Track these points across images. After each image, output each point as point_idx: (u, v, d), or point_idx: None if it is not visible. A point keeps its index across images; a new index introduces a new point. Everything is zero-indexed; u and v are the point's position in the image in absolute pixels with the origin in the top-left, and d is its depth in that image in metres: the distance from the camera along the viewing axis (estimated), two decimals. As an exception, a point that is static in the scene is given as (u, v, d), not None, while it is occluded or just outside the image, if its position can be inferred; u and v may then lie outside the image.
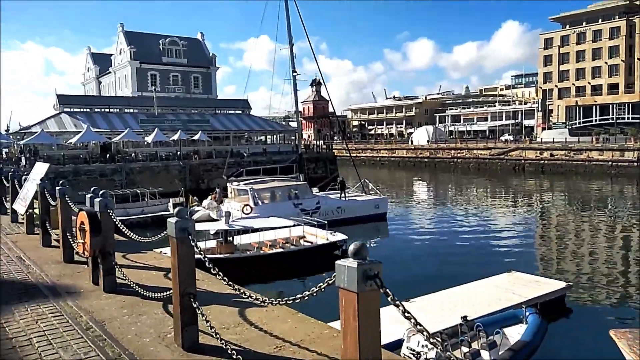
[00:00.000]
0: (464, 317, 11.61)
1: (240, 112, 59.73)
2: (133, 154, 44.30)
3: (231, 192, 29.77)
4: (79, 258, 6.29)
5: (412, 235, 26.68)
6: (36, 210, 7.89)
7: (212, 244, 20.53)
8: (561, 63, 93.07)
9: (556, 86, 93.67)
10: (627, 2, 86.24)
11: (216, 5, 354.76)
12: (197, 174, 43.09)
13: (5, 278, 6.06)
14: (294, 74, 32.50)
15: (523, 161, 66.12)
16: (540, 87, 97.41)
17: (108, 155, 42.98)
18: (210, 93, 72.92)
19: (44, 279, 5.92)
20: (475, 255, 21.45)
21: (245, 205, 26.85)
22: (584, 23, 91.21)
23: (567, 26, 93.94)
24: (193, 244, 3.97)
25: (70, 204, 5.98)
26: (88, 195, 5.11)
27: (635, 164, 55.86)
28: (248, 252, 20.70)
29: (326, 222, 21.90)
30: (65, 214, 6.09)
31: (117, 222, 4.86)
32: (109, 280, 5.06)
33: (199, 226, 21.21)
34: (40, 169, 8.32)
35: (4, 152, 47.39)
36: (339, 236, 21.97)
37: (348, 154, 41.36)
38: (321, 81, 34.61)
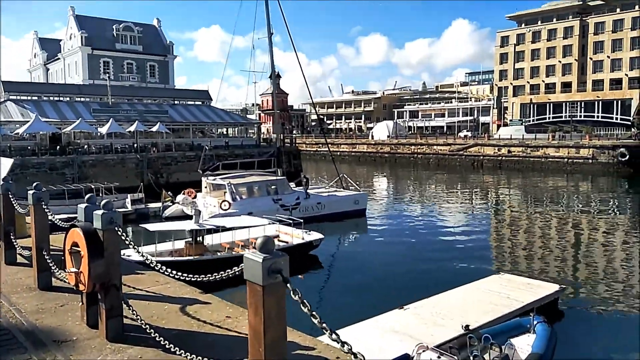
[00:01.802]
0: (467, 327, 10.84)
1: (200, 103, 57.52)
2: (86, 146, 41.71)
3: (206, 187, 28.38)
4: (59, 282, 4.88)
5: (392, 232, 26.02)
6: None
7: (180, 244, 19.09)
8: (517, 61, 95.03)
9: (511, 84, 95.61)
10: (581, 3, 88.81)
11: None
12: (155, 168, 40.98)
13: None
14: (271, 75, 31.06)
15: (482, 157, 67.03)
16: (496, 85, 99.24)
17: (58, 147, 40.25)
18: (167, 83, 70.02)
19: (15, 317, 4.36)
20: (456, 254, 20.91)
21: (223, 200, 25.57)
22: (539, 22, 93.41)
23: (523, 25, 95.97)
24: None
25: (46, 209, 4.58)
26: (82, 207, 3.79)
27: (591, 161, 57.49)
28: (218, 254, 19.42)
29: (302, 220, 20.79)
30: (41, 224, 4.70)
31: (125, 238, 3.61)
32: (114, 323, 3.69)
33: (168, 226, 19.73)
34: (3, 165, 6.72)
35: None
36: (315, 235, 20.97)
37: (309, 149, 40.51)
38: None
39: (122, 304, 3.74)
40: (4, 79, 51.69)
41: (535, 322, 10.94)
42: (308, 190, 28.60)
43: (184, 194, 28.18)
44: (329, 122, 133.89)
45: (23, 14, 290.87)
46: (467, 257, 20.02)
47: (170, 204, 28.99)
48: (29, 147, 40.15)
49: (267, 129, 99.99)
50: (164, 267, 3.55)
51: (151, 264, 3.62)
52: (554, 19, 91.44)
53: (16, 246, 5.48)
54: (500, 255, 21.86)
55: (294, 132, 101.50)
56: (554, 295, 13.97)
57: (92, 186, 31.30)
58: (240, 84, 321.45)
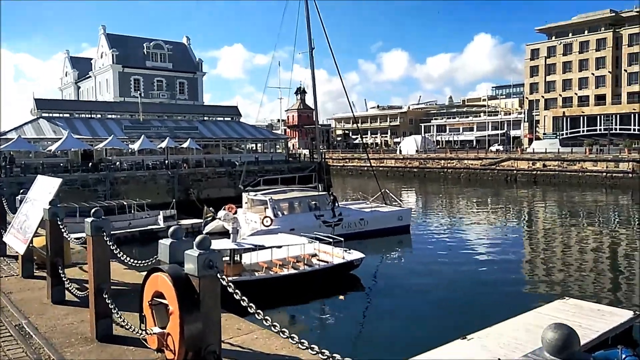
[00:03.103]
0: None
1: (229, 119, 57.38)
2: (117, 163, 41.63)
3: (247, 202, 27.89)
4: (121, 331, 4.00)
5: (438, 251, 24.72)
6: (37, 243, 5.64)
7: (217, 264, 18.34)
8: (548, 74, 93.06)
9: (543, 97, 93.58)
10: (613, 14, 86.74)
11: (190, 13, 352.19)
12: (186, 184, 40.61)
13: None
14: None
15: (515, 171, 65.18)
16: (527, 98, 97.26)
17: (90, 163, 40.22)
18: (197, 99, 70.29)
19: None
20: (510, 276, 19.62)
21: (265, 217, 25.11)
22: (570, 34, 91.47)
23: (553, 37, 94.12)
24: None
25: (109, 242, 3.80)
26: (166, 244, 3.12)
27: (631, 175, 55.30)
28: (256, 274, 18.63)
29: (342, 239, 19.87)
30: (102, 260, 3.87)
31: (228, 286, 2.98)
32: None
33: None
34: (47, 185, 5.90)
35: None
36: (355, 254, 20.02)
37: (336, 164, 39.71)
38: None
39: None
40: (37, 97, 52.36)
41: (624, 356, 9.79)
42: (335, 208, 27.77)
43: (224, 209, 27.74)
44: (354, 137, 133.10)
45: (51, 35, 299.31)
46: (523, 280, 18.80)
47: (211, 219, 28.52)
48: (61, 164, 40.21)
49: (293, 144, 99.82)
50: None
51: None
52: (586, 31, 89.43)
53: (65, 280, 4.71)
54: (559, 277, 20.29)
55: (320, 147, 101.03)
56: (628, 322, 12.75)
57: (125, 203, 30.99)
58: (264, 101, 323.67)
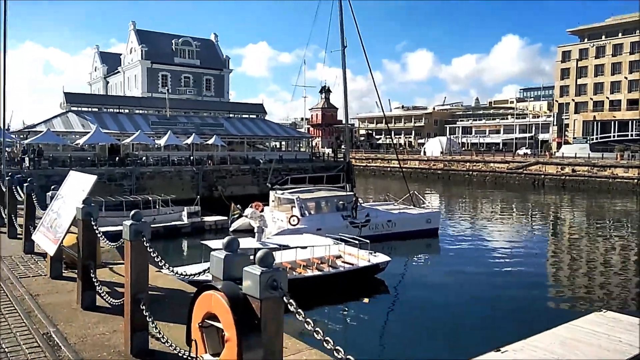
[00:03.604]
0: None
1: (254, 116, 57.43)
2: (144, 158, 41.93)
3: (274, 201, 27.83)
4: (158, 344, 3.72)
5: (467, 256, 24.16)
6: (66, 242, 5.43)
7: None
8: (579, 77, 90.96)
9: (573, 100, 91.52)
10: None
11: (216, 10, 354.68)
12: (210, 181, 40.71)
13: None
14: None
15: (543, 176, 63.88)
16: (556, 101, 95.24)
17: (117, 158, 40.63)
18: (223, 96, 70.56)
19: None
20: (542, 284, 19.02)
21: (292, 216, 25.04)
22: (603, 36, 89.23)
23: (586, 39, 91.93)
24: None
25: (149, 248, 3.54)
26: (220, 257, 2.72)
27: (663, 182, 53.73)
28: (281, 274, 18.37)
29: (368, 241, 19.53)
30: (140, 267, 3.58)
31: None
32: None
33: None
34: (80, 182, 5.58)
35: (5, 152, 44.96)
36: (381, 257, 19.66)
37: (359, 164, 39.38)
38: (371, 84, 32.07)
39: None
40: (66, 91, 53.15)
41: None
42: (357, 209, 27.43)
43: (251, 207, 27.74)
44: (377, 137, 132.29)
45: (80, 30, 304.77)
46: (555, 290, 18.17)
47: (238, 217, 28.50)
48: (88, 158, 40.72)
49: (316, 143, 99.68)
50: None
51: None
52: (620, 34, 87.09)
53: (97, 285, 4.48)
54: (593, 288, 19.48)
55: (342, 146, 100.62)
56: (670, 339, 12.14)
57: (150, 198, 31.15)
58: (286, 99, 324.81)
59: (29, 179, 7.99)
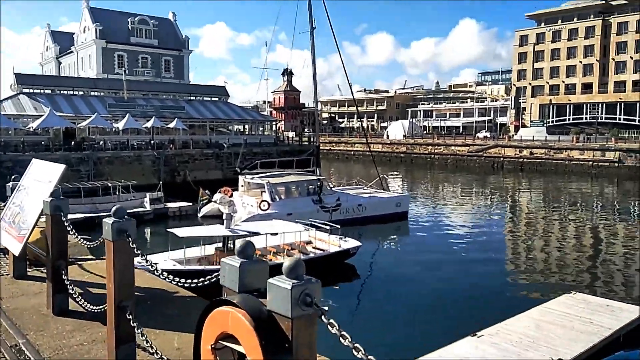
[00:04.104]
0: (559, 360, 9.42)
1: (217, 99, 56.07)
2: (101, 142, 40.36)
3: (243, 186, 27.41)
4: (144, 355, 3.32)
5: (436, 239, 24.33)
6: (32, 237, 4.84)
7: (210, 249, 17.71)
8: (536, 61, 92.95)
9: (530, 84, 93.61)
10: (603, 2, 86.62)
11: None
12: (172, 166, 39.61)
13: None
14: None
15: (502, 159, 65.28)
16: (514, 85, 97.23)
17: (73, 142, 38.93)
18: (182, 78, 68.50)
19: None
20: (511, 267, 19.29)
21: (263, 201, 24.73)
22: (560, 21, 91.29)
23: (543, 24, 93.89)
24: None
25: (132, 245, 3.10)
26: (235, 265, 2.29)
27: (617, 164, 55.69)
28: (250, 261, 18.01)
29: (339, 226, 19.33)
30: (124, 270, 3.09)
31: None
32: None
33: (197, 231, 18.28)
34: (45, 171, 4.99)
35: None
36: (352, 242, 19.52)
37: (322, 147, 39.33)
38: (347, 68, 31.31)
39: None
40: (17, 72, 50.49)
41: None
42: (321, 194, 27.24)
43: (220, 192, 27.17)
44: (340, 120, 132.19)
45: (28, 8, 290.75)
46: (524, 272, 18.43)
47: (207, 202, 27.88)
48: (42, 142, 38.84)
49: (279, 127, 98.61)
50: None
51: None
52: (575, 19, 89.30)
53: (69, 288, 3.97)
54: (561, 269, 19.77)
55: (305, 130, 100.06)
56: (639, 319, 12.46)
57: (109, 184, 30.04)
58: (246, 82, 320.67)
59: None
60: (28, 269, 5.29)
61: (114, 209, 3.46)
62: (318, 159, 29.65)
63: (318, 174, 28.89)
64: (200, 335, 2.22)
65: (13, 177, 5.95)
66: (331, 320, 2.13)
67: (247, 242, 2.44)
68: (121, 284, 3.07)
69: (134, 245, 3.20)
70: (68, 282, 3.96)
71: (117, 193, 29.81)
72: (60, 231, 4.13)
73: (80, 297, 3.95)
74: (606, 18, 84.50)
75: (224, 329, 2.07)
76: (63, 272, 4.00)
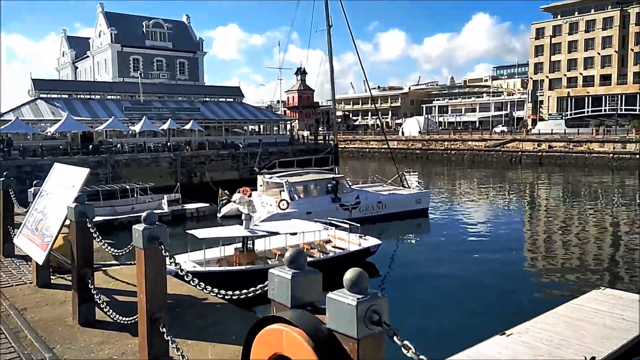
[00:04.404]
0: (593, 359, 9.11)
1: (231, 100, 56.12)
2: (118, 145, 40.59)
3: (262, 185, 27.40)
4: None
5: (457, 236, 23.80)
6: (55, 244, 4.66)
7: (230, 250, 17.60)
8: (553, 53, 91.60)
9: (547, 77, 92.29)
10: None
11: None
12: (189, 167, 39.69)
13: None
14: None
15: (520, 153, 64.37)
16: (531, 78, 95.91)
17: (91, 146, 39.22)
18: (197, 80, 68.74)
19: None
20: (536, 263, 18.86)
21: (282, 200, 24.67)
22: (576, 13, 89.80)
23: (559, 16, 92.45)
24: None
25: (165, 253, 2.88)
26: (284, 276, 2.08)
27: (638, 156, 54.55)
28: (270, 262, 17.91)
29: (358, 225, 19.09)
30: (158, 282, 2.93)
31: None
32: None
33: (216, 232, 18.16)
34: (68, 176, 4.81)
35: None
36: (372, 241, 19.27)
37: (340, 145, 39.07)
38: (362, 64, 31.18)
39: None
40: (34, 77, 51.03)
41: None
42: (338, 193, 26.98)
43: (239, 192, 27.18)
44: (354, 118, 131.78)
45: (43, 15, 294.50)
46: (551, 268, 17.98)
47: (226, 202, 27.90)
48: (60, 147, 39.20)
49: (293, 126, 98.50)
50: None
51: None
52: (592, 10, 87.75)
53: (97, 297, 3.79)
54: (586, 264, 19.18)
55: (320, 129, 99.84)
56: (672, 316, 12.04)
57: (127, 187, 30.16)
58: (259, 82, 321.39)
59: (4, 173, 7.17)
60: (51, 277, 5.15)
61: (144, 214, 3.23)
62: (337, 157, 29.39)
63: (336, 172, 28.69)
64: (248, 356, 1.99)
65: (35, 182, 5.81)
66: (405, 342, 1.89)
67: (299, 251, 2.23)
68: (153, 294, 2.89)
69: (167, 254, 3.02)
70: (95, 293, 3.79)
71: (135, 195, 29.93)
72: (85, 238, 3.95)
73: (107, 306, 3.78)
74: (624, 8, 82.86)
75: (278, 349, 1.84)
76: (89, 280, 3.83)
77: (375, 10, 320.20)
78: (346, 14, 30.65)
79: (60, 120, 39.37)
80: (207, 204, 29.87)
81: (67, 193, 4.36)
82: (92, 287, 3.76)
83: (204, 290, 2.76)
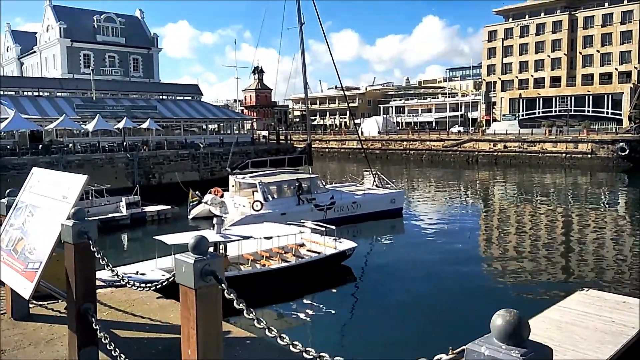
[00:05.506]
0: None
1: (189, 98, 54.45)
2: (70, 145, 38.50)
3: (233, 186, 26.42)
4: None
5: (432, 236, 23.60)
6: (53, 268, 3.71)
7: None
8: (505, 55, 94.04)
9: (499, 78, 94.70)
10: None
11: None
12: (147, 168, 38.08)
13: None
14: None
15: (477, 153, 65.61)
16: (484, 79, 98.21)
17: (40, 146, 37.01)
18: (152, 77, 66.45)
19: None
20: (514, 264, 18.70)
21: (255, 201, 23.93)
22: (527, 16, 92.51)
23: (510, 19, 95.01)
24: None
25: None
26: None
27: (589, 155, 56.51)
28: (243, 268, 17.15)
29: (334, 227, 18.53)
30: (214, 324, 2.21)
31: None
32: None
33: (186, 238, 17.13)
34: (56, 184, 3.98)
35: None
36: (347, 244, 18.73)
37: (297, 145, 38.66)
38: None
39: None
40: (-24, 73, 47.93)
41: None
42: (301, 195, 26.35)
43: (211, 193, 26.15)
44: (312, 117, 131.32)
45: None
46: (525, 268, 17.91)
47: (197, 203, 26.79)
48: (7, 147, 36.81)
49: (253, 126, 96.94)
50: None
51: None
52: (542, 13, 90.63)
53: (99, 334, 2.94)
54: (565, 264, 19.31)
55: (277, 128, 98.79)
56: (656, 316, 12.05)
57: (82, 189, 28.51)
58: (212, 81, 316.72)
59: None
60: (30, 305, 4.19)
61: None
62: (310, 157, 28.74)
63: (310, 172, 28.06)
64: None
65: (7, 191, 4.83)
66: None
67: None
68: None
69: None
70: (103, 335, 2.96)
71: (90, 198, 28.29)
72: (87, 263, 3.11)
73: (116, 349, 2.99)
74: (572, 12, 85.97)
75: None
76: (93, 318, 2.99)
77: (329, 10, 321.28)
78: (319, 13, 30.16)
79: (7, 118, 36.96)
80: (169, 207, 28.62)
81: (57, 206, 3.51)
82: (97, 328, 2.93)
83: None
